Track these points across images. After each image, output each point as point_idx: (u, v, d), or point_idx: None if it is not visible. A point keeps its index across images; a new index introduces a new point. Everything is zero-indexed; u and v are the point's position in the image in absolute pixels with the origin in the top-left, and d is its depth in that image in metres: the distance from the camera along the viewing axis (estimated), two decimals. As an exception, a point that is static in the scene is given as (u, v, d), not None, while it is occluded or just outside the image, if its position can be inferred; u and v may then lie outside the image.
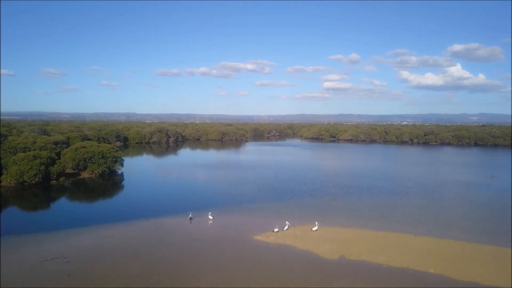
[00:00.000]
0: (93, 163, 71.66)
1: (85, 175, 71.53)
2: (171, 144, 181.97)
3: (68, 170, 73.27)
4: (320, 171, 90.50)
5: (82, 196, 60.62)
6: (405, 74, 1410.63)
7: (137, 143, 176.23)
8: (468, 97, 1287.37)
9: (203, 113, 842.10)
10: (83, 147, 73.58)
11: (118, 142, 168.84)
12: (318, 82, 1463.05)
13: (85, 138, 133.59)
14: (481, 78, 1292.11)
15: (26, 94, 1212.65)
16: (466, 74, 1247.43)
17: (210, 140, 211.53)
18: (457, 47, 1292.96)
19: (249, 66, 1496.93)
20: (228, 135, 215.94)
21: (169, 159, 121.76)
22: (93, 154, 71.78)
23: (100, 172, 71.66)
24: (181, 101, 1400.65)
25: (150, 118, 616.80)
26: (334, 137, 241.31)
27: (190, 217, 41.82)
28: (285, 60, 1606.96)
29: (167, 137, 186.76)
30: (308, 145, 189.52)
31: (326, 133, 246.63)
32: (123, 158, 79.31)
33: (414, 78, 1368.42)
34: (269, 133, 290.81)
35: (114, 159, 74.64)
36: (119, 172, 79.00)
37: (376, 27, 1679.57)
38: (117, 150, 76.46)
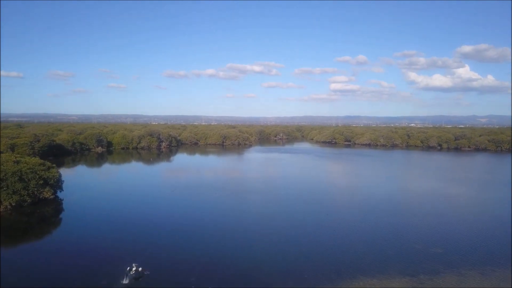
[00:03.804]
0: (5, 190, 45.77)
1: (-10, 208, 45.44)
2: (163, 149, 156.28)
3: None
4: (361, 201, 57.71)
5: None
6: (412, 75, 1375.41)
7: (123, 148, 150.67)
8: (477, 98, 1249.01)
9: (210, 115, 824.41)
10: (-6, 163, 47.83)
11: (99, 148, 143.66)
12: (326, 83, 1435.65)
13: (50, 145, 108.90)
14: (490, 79, 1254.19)
15: (35, 96, 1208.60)
16: (474, 75, 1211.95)
17: (210, 144, 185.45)
18: (466, 48, 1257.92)
19: (256, 68, 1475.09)
20: (230, 138, 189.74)
21: (149, 172, 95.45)
22: (5, 176, 45.92)
23: (13, 204, 45.71)
24: (189, 103, 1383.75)
25: (157, 120, 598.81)
26: (349, 141, 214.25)
27: None
28: (292, 61, 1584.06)
29: (158, 142, 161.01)
30: (323, 152, 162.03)
31: (340, 137, 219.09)
32: (62, 178, 53.38)
33: (422, 79, 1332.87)
34: (276, 136, 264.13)
35: (42, 181, 48.74)
36: (60, 197, 53.64)
37: (384, 28, 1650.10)
38: (49, 168, 50.46)
